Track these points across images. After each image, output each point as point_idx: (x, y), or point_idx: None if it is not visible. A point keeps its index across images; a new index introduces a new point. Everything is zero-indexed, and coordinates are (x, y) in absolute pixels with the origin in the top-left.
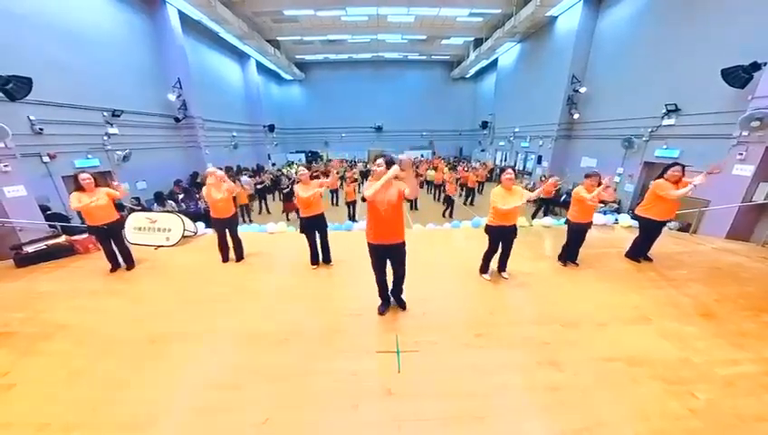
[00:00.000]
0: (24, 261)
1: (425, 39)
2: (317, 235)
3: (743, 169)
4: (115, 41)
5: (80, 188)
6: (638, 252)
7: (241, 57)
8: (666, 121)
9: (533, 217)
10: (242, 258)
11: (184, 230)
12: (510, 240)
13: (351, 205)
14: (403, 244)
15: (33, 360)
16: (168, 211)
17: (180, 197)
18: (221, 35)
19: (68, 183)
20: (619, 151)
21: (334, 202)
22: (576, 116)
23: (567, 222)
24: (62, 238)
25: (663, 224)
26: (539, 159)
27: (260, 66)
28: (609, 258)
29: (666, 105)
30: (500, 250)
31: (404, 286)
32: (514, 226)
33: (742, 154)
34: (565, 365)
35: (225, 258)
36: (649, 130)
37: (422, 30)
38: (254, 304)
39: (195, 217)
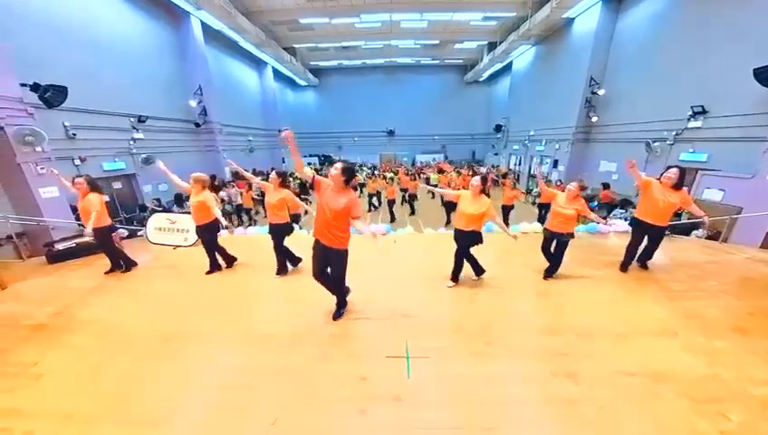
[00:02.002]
0: (55, 258)
1: (438, 43)
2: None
3: None
4: (143, 51)
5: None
6: (627, 257)
7: (258, 64)
8: (692, 124)
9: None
10: (230, 265)
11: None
12: (461, 245)
13: None
14: (338, 251)
15: (59, 352)
16: (187, 212)
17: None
18: (240, 44)
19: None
20: (642, 155)
21: None
22: (594, 119)
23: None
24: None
25: (651, 227)
26: (555, 163)
27: (276, 73)
28: (630, 267)
29: (692, 107)
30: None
31: (346, 297)
32: (470, 231)
33: None
34: (582, 378)
35: (212, 266)
36: (674, 133)
37: (435, 35)
38: (265, 306)
39: None
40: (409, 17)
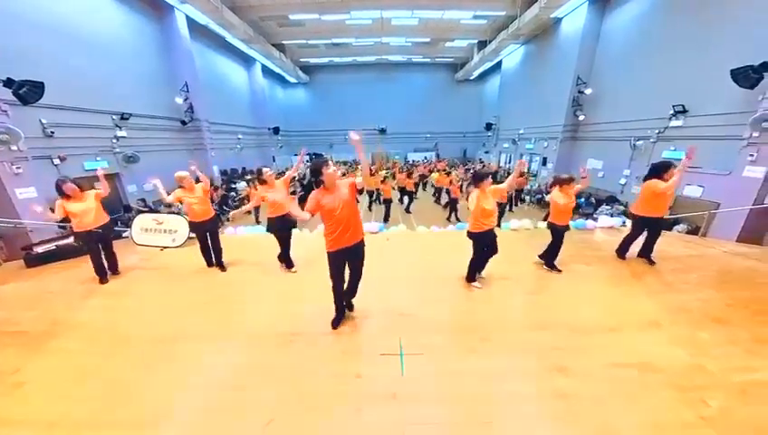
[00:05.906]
0: (34, 261)
1: (429, 42)
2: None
3: (754, 170)
4: (125, 46)
5: (65, 196)
6: (626, 249)
7: (247, 61)
8: (673, 123)
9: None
10: (222, 266)
11: (189, 232)
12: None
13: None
14: (363, 242)
15: (42, 358)
16: (174, 213)
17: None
18: (227, 40)
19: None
20: (626, 153)
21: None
22: (581, 117)
23: (550, 225)
24: (71, 239)
25: (659, 220)
26: (544, 161)
27: (265, 70)
28: (618, 262)
29: (673, 106)
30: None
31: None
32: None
33: (753, 155)
34: (575, 372)
35: (210, 263)
36: (657, 131)
37: (426, 33)
38: (258, 305)
39: None
40: (400, 14)
